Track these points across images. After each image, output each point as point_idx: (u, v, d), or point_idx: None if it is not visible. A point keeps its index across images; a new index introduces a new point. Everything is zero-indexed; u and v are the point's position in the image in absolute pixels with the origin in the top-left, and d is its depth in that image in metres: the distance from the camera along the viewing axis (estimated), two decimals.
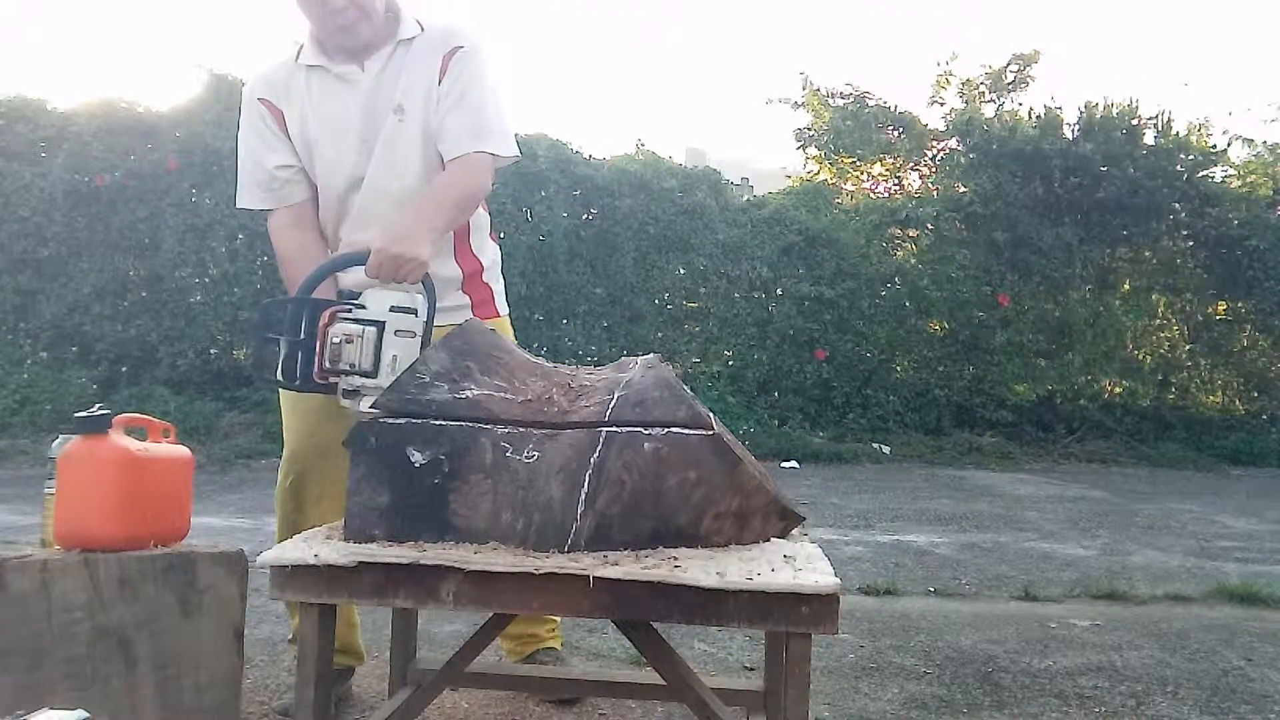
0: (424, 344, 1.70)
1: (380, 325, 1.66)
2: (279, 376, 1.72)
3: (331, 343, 1.64)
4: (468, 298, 2.04)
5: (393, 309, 1.68)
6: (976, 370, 8.93)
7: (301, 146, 1.95)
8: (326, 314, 1.67)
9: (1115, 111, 9.00)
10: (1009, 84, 9.99)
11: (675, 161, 9.14)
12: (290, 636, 2.20)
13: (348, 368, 1.64)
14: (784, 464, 7.39)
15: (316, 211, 2.00)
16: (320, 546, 1.45)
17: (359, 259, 1.73)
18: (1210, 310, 9.52)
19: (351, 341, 1.64)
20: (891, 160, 9.99)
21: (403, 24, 1.93)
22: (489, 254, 2.11)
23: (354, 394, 1.67)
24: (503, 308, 2.15)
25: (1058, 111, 9.11)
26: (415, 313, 1.72)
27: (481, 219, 2.08)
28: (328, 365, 1.66)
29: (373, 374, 1.64)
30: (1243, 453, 8.67)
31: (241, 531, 4.17)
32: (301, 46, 1.94)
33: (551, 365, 1.72)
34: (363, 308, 1.68)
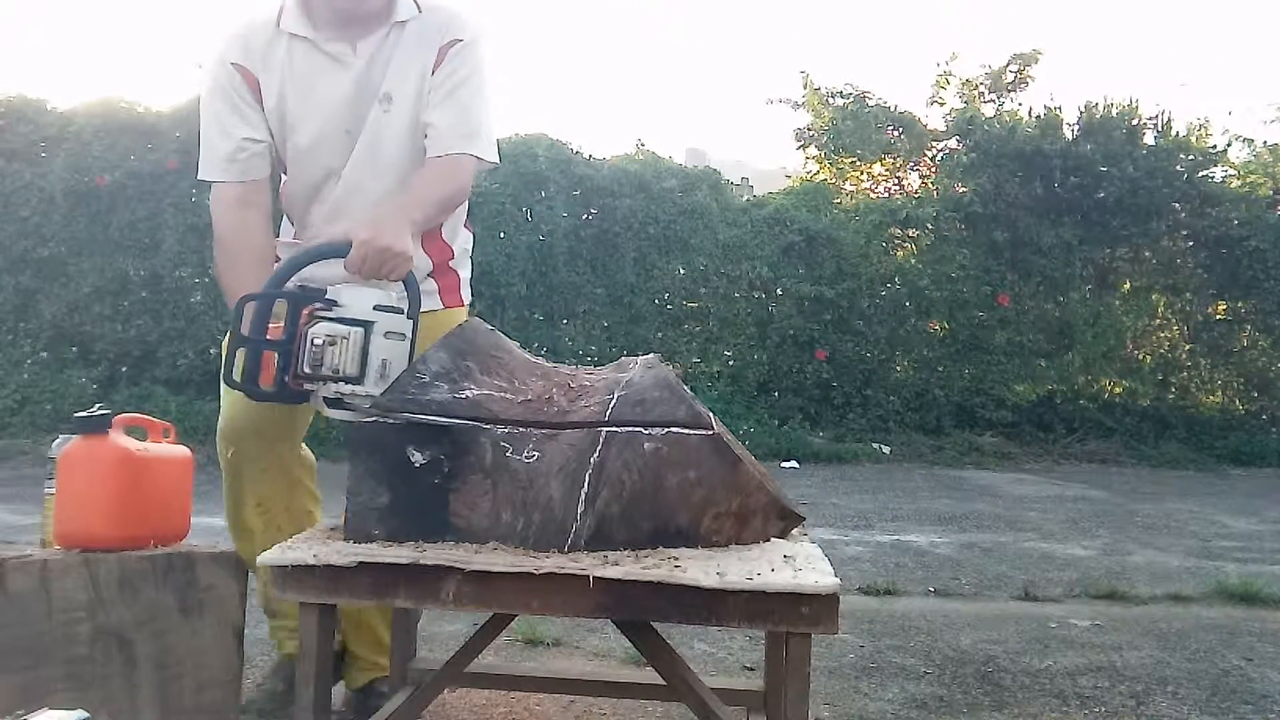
0: (411, 346, 1.60)
1: (368, 326, 1.51)
2: (237, 379, 1.53)
3: (313, 345, 1.47)
4: (435, 284, 1.92)
5: (377, 308, 1.53)
6: (976, 370, 8.92)
7: (276, 123, 1.77)
8: (305, 312, 1.51)
9: (1115, 111, 8.98)
10: (1009, 84, 9.97)
11: (675, 161, 9.13)
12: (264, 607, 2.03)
13: (331, 373, 1.48)
14: (784, 464, 7.38)
15: (268, 188, 1.81)
16: (320, 546, 1.45)
17: (338, 251, 1.56)
18: (1210, 310, 9.50)
19: (335, 344, 1.48)
20: (891, 160, 9.98)
21: (399, 2, 1.76)
22: (460, 241, 2.00)
23: (336, 402, 1.54)
24: (466, 295, 2.02)
25: (1057, 111, 9.09)
26: (402, 312, 1.57)
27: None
28: (307, 370, 1.49)
29: (359, 380, 1.51)
30: (1243, 453, 8.65)
31: None
32: (283, 7, 1.74)
33: (551, 365, 1.72)
34: (338, 305, 1.51)
